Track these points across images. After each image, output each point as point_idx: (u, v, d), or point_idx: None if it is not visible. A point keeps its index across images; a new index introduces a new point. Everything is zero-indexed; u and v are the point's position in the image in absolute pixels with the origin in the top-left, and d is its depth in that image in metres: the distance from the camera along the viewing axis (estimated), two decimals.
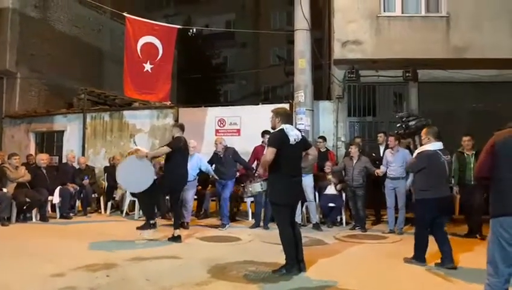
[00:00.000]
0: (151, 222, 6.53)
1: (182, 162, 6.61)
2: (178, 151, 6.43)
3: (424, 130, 5.32)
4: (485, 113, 9.47)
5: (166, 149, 6.38)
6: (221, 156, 8.07)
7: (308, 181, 7.71)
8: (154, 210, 6.91)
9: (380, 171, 7.50)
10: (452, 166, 6.57)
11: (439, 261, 5.09)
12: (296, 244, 4.76)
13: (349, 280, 4.49)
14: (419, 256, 5.16)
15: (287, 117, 4.98)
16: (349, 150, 7.87)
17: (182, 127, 6.81)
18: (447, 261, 4.99)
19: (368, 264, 5.33)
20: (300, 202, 7.72)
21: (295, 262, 4.68)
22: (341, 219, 8.25)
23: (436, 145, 5.10)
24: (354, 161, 7.65)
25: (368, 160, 7.78)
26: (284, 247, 4.73)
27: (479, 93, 9.96)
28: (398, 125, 6.56)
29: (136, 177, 6.23)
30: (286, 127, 4.79)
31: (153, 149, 11.10)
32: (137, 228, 6.56)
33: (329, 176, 8.11)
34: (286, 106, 10.19)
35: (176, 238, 6.40)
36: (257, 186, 7.18)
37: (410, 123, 6.39)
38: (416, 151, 5.38)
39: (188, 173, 6.87)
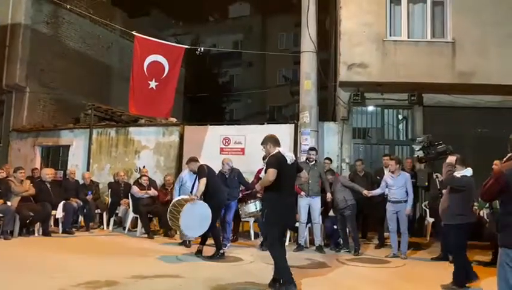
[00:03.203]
0: (221, 251, 6.74)
1: (218, 184, 7.06)
2: (209, 177, 6.77)
3: (452, 158, 5.38)
4: (490, 138, 9.44)
5: (203, 181, 6.66)
6: (227, 176, 8.10)
7: (316, 203, 7.71)
8: (220, 240, 7.06)
9: (367, 192, 7.50)
10: None
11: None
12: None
13: None
14: (471, 275, 5.17)
15: (276, 141, 5.12)
16: (327, 177, 7.96)
17: (195, 159, 7.36)
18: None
19: (367, 288, 5.27)
20: (305, 223, 7.77)
21: (292, 279, 4.68)
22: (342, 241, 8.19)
23: (470, 171, 5.26)
24: (332, 186, 7.77)
25: (345, 179, 8.01)
26: (278, 266, 4.75)
27: (484, 118, 9.97)
28: (417, 149, 6.45)
29: (198, 219, 6.53)
30: (281, 149, 5.01)
31: (160, 167, 11.26)
32: (208, 257, 6.71)
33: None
34: (291, 126, 10.35)
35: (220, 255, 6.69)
36: (251, 207, 7.23)
37: (431, 149, 6.28)
38: (460, 173, 5.32)
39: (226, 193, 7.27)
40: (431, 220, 8.65)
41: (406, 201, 7.16)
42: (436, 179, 6.40)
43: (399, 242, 7.26)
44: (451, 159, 5.35)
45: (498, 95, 9.78)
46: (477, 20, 9.62)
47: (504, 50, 9.48)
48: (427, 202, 9.16)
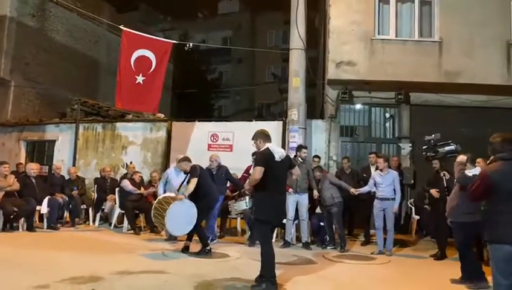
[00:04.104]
0: (207, 248, 6.66)
1: (210, 184, 7.04)
2: (201, 178, 6.72)
3: (463, 157, 5.35)
4: (474, 137, 9.50)
5: (194, 181, 6.60)
6: (214, 172, 8.10)
7: (303, 200, 7.75)
8: (206, 237, 7.01)
9: (354, 190, 7.57)
10: None
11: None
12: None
13: None
14: (479, 276, 5.17)
15: (266, 136, 5.08)
16: (314, 174, 7.97)
17: (188, 159, 7.14)
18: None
19: (354, 285, 5.32)
20: (292, 220, 7.80)
21: (274, 279, 4.69)
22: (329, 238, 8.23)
23: (479, 170, 5.25)
24: (320, 182, 7.79)
25: (332, 177, 8.05)
26: (264, 264, 4.75)
27: (469, 117, 10.07)
28: (424, 147, 6.42)
29: (184, 218, 6.47)
30: (270, 145, 4.95)
31: (148, 163, 11.19)
32: (194, 254, 6.63)
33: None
34: (279, 123, 10.38)
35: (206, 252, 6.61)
36: (242, 204, 7.26)
37: (440, 148, 6.23)
38: (470, 172, 5.34)
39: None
40: (416, 217, 8.75)
41: (393, 199, 7.24)
42: (444, 177, 6.40)
43: (385, 239, 7.33)
44: (462, 158, 5.37)
45: (483, 95, 9.91)
46: (464, 20, 9.74)
47: (490, 51, 9.64)
48: (412, 200, 9.26)
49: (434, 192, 7.26)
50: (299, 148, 8.13)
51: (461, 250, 5.41)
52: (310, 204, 7.94)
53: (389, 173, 7.34)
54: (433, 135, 6.19)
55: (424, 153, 6.45)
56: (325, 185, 7.71)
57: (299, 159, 7.81)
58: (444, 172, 6.42)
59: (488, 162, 3.75)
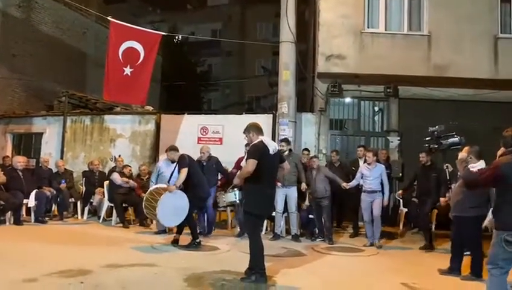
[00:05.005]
0: (197, 240, 6.65)
1: (201, 174, 7.10)
2: (190, 167, 6.69)
3: (466, 149, 5.26)
4: (462, 130, 9.57)
5: (184, 171, 6.56)
6: (204, 164, 8.10)
7: (292, 193, 7.76)
8: (197, 229, 7.00)
9: (346, 184, 7.62)
10: None
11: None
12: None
13: None
14: (479, 271, 5.16)
15: (258, 129, 5.03)
16: (308, 163, 7.96)
17: (176, 148, 7.15)
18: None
19: (342, 276, 5.37)
20: (281, 213, 7.83)
21: (264, 271, 4.71)
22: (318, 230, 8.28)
23: (483, 164, 5.23)
24: (314, 173, 7.78)
25: (327, 170, 8.00)
26: (254, 256, 4.76)
27: (457, 111, 10.16)
28: (428, 138, 6.22)
29: (175, 209, 6.49)
30: (264, 138, 4.91)
31: (136, 156, 11.12)
32: (184, 246, 6.62)
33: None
34: (269, 116, 10.39)
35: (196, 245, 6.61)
36: (231, 196, 7.22)
37: (443, 140, 6.17)
38: (474, 167, 5.12)
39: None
40: (404, 210, 8.84)
41: (380, 191, 7.32)
42: (446, 170, 6.43)
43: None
44: (462, 155, 5.26)
45: (470, 89, 10.00)
46: (453, 15, 9.80)
47: (478, 46, 9.71)
48: (400, 192, 9.34)
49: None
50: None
51: (470, 244, 5.40)
52: (301, 197, 7.96)
53: (377, 166, 7.43)
54: (436, 127, 6.12)
55: (427, 145, 6.35)
56: (320, 178, 7.71)
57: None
58: (447, 165, 6.44)
59: (499, 154, 3.86)
